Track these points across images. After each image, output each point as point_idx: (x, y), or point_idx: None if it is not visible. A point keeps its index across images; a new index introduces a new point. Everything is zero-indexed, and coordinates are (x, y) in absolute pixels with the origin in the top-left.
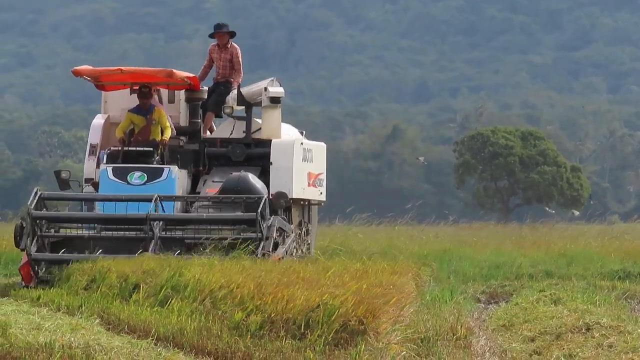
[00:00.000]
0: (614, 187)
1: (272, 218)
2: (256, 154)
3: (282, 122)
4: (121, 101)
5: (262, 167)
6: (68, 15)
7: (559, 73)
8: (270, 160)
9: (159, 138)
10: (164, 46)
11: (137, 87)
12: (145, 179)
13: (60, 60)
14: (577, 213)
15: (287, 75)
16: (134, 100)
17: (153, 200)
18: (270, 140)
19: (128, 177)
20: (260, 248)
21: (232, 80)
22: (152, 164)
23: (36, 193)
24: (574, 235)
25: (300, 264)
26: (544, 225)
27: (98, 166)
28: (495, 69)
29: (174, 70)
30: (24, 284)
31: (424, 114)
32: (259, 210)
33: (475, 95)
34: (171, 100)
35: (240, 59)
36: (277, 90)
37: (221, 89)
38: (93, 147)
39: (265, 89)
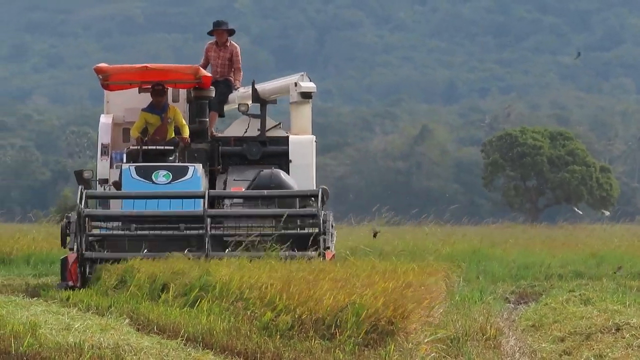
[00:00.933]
0: None
1: (326, 213)
2: (272, 152)
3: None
4: (124, 101)
5: (279, 165)
6: (98, 15)
7: (588, 74)
8: (290, 158)
9: (172, 136)
10: (193, 46)
11: (148, 87)
12: (171, 177)
13: (90, 60)
14: (607, 213)
15: (316, 76)
16: (136, 100)
17: (205, 197)
18: (287, 138)
19: (153, 176)
20: (322, 244)
21: (231, 79)
22: (173, 162)
23: (82, 191)
24: (603, 235)
25: (329, 264)
26: (573, 225)
27: (112, 166)
28: (524, 69)
29: (200, 68)
30: (70, 283)
31: (454, 115)
32: (320, 205)
33: (504, 95)
34: (175, 99)
35: (240, 58)
36: (308, 85)
37: (222, 88)
38: (104, 147)
39: (296, 84)
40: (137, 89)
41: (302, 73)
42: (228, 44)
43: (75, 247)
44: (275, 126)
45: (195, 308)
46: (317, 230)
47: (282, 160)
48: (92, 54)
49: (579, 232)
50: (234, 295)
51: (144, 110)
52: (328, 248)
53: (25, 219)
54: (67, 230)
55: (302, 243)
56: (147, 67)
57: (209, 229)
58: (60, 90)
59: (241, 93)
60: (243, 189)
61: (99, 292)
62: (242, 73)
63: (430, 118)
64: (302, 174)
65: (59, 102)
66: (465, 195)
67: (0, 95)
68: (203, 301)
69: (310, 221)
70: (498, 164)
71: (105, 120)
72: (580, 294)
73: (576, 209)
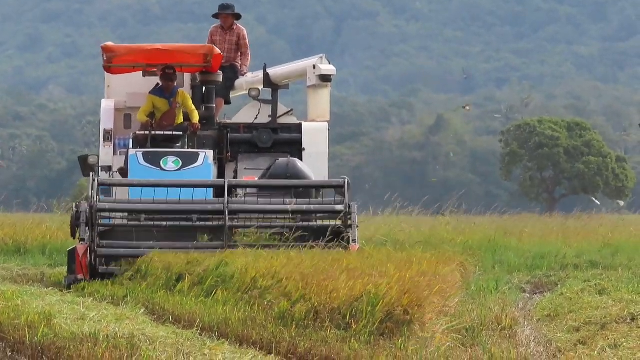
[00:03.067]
0: None
1: (351, 205)
2: (283, 140)
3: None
4: (126, 85)
5: (290, 153)
6: (114, 4)
7: (605, 64)
8: (303, 146)
9: (180, 122)
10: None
11: (153, 70)
12: (180, 164)
13: None
14: (622, 204)
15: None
16: (138, 84)
17: (225, 186)
18: (299, 125)
19: (161, 163)
20: (351, 236)
21: (237, 64)
22: (182, 149)
23: (94, 179)
24: (619, 225)
25: (345, 254)
26: (589, 216)
27: (115, 153)
28: (541, 59)
29: (214, 47)
30: (79, 276)
31: (470, 105)
32: (347, 197)
33: (520, 86)
34: (180, 84)
35: (247, 41)
36: (328, 67)
37: (228, 73)
38: (107, 132)
39: (314, 66)
40: (138, 72)
41: (321, 55)
42: (234, 27)
43: (86, 238)
44: (287, 113)
45: (210, 298)
46: (341, 222)
47: (294, 148)
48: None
49: (594, 222)
50: (250, 285)
51: (151, 93)
52: (354, 241)
53: (40, 209)
54: (77, 221)
55: (322, 235)
56: (158, 48)
57: (227, 220)
58: (75, 80)
59: (250, 78)
60: (256, 178)
61: (114, 282)
62: (249, 58)
63: (447, 108)
64: (315, 162)
65: (74, 92)
66: (481, 186)
67: (16, 85)
68: (218, 291)
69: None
70: (516, 153)
71: (107, 105)
72: (595, 284)
73: (594, 199)
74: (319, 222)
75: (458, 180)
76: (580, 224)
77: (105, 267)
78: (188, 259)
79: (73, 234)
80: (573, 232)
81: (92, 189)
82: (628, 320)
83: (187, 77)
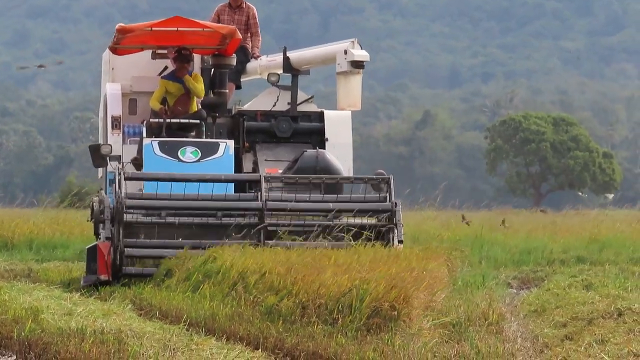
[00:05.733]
0: None
1: (396, 201)
2: (303, 129)
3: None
4: (131, 68)
5: (310, 143)
6: (101, 0)
7: (591, 59)
8: (326, 136)
9: (195, 109)
10: None
11: (163, 52)
12: (199, 155)
13: (93, 46)
14: (610, 197)
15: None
16: (145, 68)
17: (262, 180)
18: (320, 114)
19: (179, 153)
20: (395, 236)
21: (248, 45)
22: (199, 138)
23: (120, 173)
24: (605, 220)
25: (332, 250)
26: (576, 211)
27: (125, 141)
28: (527, 54)
29: (237, 30)
30: (103, 277)
31: (456, 100)
32: (393, 193)
33: (507, 81)
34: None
35: (258, 21)
36: (360, 53)
37: (239, 56)
38: (115, 119)
39: (346, 51)
40: (142, 54)
41: (353, 39)
42: (243, 5)
43: (111, 235)
44: (307, 100)
45: (198, 293)
46: (386, 221)
47: (314, 138)
48: (94, 40)
49: (581, 217)
50: (237, 280)
51: (164, 77)
52: (401, 242)
53: (25, 203)
54: (100, 216)
55: (359, 234)
56: (177, 28)
57: (264, 218)
58: (62, 76)
59: (266, 62)
60: (279, 171)
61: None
62: (260, 39)
63: (433, 103)
64: (340, 154)
65: (61, 87)
66: (468, 181)
67: (3, 80)
68: (205, 286)
69: (380, 211)
70: (502, 149)
71: (113, 89)
72: (582, 279)
73: (580, 193)
74: (357, 220)
75: (444, 176)
76: (566, 220)
77: (131, 267)
78: (177, 255)
79: (97, 232)
80: (560, 228)
81: (118, 184)
82: (615, 316)
83: (196, 59)
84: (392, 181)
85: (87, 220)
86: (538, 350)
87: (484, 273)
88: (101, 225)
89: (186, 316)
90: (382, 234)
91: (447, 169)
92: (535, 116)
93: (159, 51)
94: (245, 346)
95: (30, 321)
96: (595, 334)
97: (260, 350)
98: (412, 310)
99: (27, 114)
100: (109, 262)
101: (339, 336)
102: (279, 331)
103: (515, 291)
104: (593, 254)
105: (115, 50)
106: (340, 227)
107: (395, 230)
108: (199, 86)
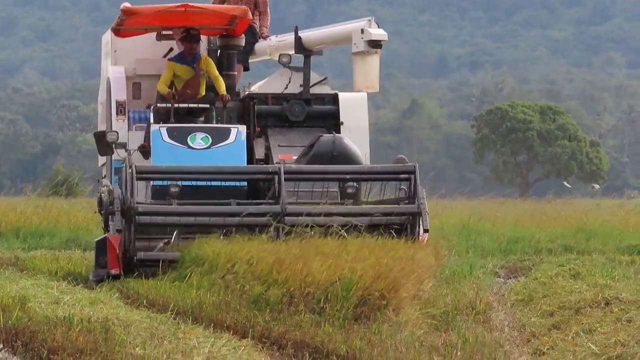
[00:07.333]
0: (633, 162)
1: (420, 190)
2: (317, 112)
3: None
4: (134, 50)
5: (324, 127)
6: None
7: (579, 48)
8: (341, 120)
9: (204, 92)
10: None
11: (168, 33)
12: (210, 141)
13: (80, 34)
14: (597, 186)
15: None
16: (147, 49)
17: (281, 174)
18: (334, 96)
19: (189, 140)
20: (421, 226)
21: (256, 25)
22: (209, 123)
23: (132, 167)
24: (592, 209)
25: (320, 239)
26: (563, 200)
27: (130, 128)
28: (514, 44)
29: (249, 11)
30: (114, 271)
31: (444, 89)
32: (417, 182)
33: (495, 70)
34: None
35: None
36: (378, 32)
37: (247, 36)
38: (120, 104)
39: (363, 30)
40: (145, 36)
41: (369, 18)
42: None
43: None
44: (320, 82)
45: (185, 282)
46: (414, 211)
47: (328, 121)
48: (81, 28)
49: (568, 206)
50: (224, 269)
51: (171, 60)
52: (427, 231)
53: (12, 192)
54: (110, 207)
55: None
56: (185, 8)
57: (284, 221)
58: (50, 64)
59: (276, 42)
60: (293, 157)
61: (89, 266)
62: (269, 18)
63: (420, 92)
64: (355, 138)
65: (49, 75)
66: (455, 170)
67: None
68: (193, 275)
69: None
70: (488, 139)
71: (117, 72)
72: (569, 269)
73: (565, 183)
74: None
75: (432, 165)
76: (554, 209)
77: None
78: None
79: (106, 225)
80: (547, 217)
81: (126, 180)
82: (602, 305)
83: (202, 40)
84: (417, 169)
85: (95, 212)
86: (525, 339)
87: (472, 262)
88: (110, 217)
89: (173, 305)
90: (406, 226)
91: (434, 158)
92: (522, 105)
93: (164, 32)
94: (232, 335)
95: (17, 310)
96: (582, 323)
97: (247, 339)
98: (400, 299)
99: (14, 102)
100: (121, 255)
101: (326, 325)
102: (266, 320)
103: (503, 280)
104: (580, 243)
105: (118, 32)
106: (364, 225)
107: (421, 219)
108: (217, 73)
